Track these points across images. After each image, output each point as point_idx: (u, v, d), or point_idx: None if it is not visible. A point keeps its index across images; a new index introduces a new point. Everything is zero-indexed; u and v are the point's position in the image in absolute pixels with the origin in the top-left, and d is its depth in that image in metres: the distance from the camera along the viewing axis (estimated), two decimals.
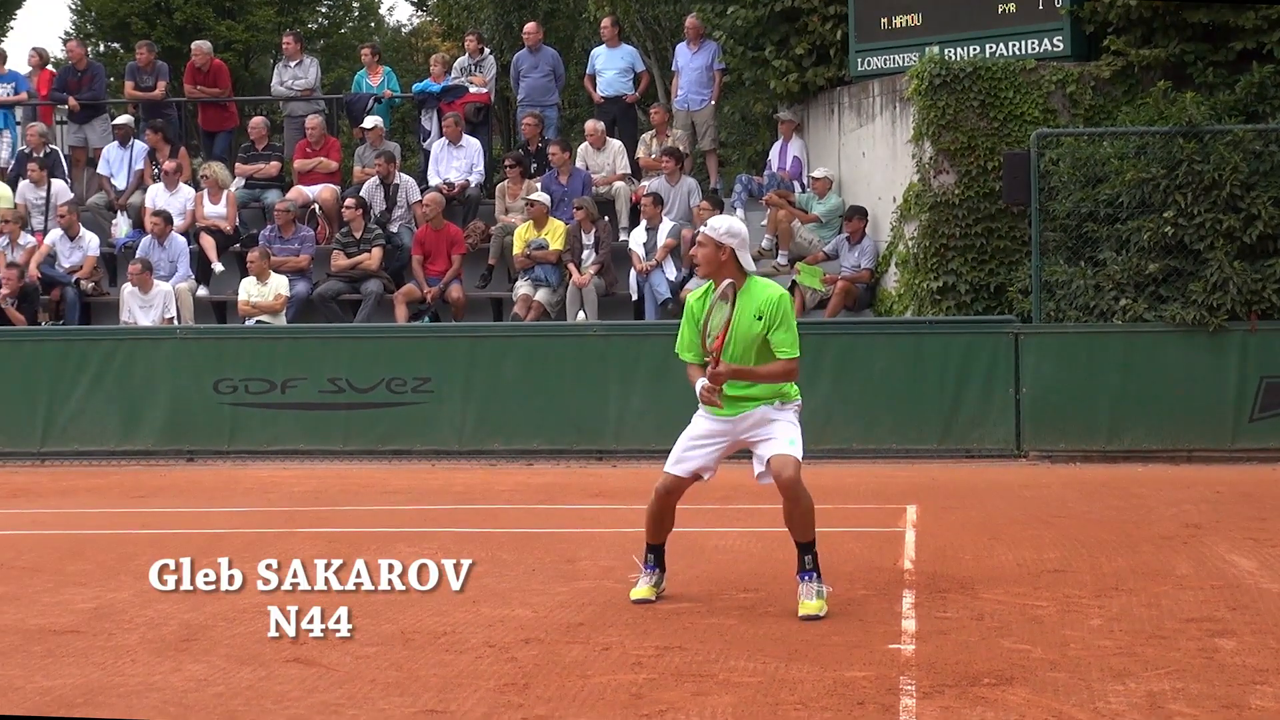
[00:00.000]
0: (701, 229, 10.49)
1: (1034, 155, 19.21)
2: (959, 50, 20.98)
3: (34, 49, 26.27)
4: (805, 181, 22.81)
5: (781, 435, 10.36)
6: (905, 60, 21.56)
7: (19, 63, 26.60)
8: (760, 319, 10.21)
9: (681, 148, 23.00)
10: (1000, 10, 21.27)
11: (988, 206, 20.18)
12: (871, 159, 22.29)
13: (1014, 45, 21.03)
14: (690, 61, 24.09)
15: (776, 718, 7.80)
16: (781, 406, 10.47)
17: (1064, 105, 20.43)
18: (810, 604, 10.11)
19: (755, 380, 10.35)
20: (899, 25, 22.08)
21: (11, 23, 45.85)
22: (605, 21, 25.55)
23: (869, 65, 22.32)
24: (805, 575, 10.27)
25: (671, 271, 21.17)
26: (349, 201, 22.26)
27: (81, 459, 19.85)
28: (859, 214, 21.39)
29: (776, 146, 23.67)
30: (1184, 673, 8.54)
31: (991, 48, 21.00)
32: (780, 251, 21.96)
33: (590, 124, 23.60)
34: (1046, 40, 21.00)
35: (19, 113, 25.29)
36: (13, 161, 24.23)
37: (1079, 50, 20.80)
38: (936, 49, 20.86)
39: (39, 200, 23.13)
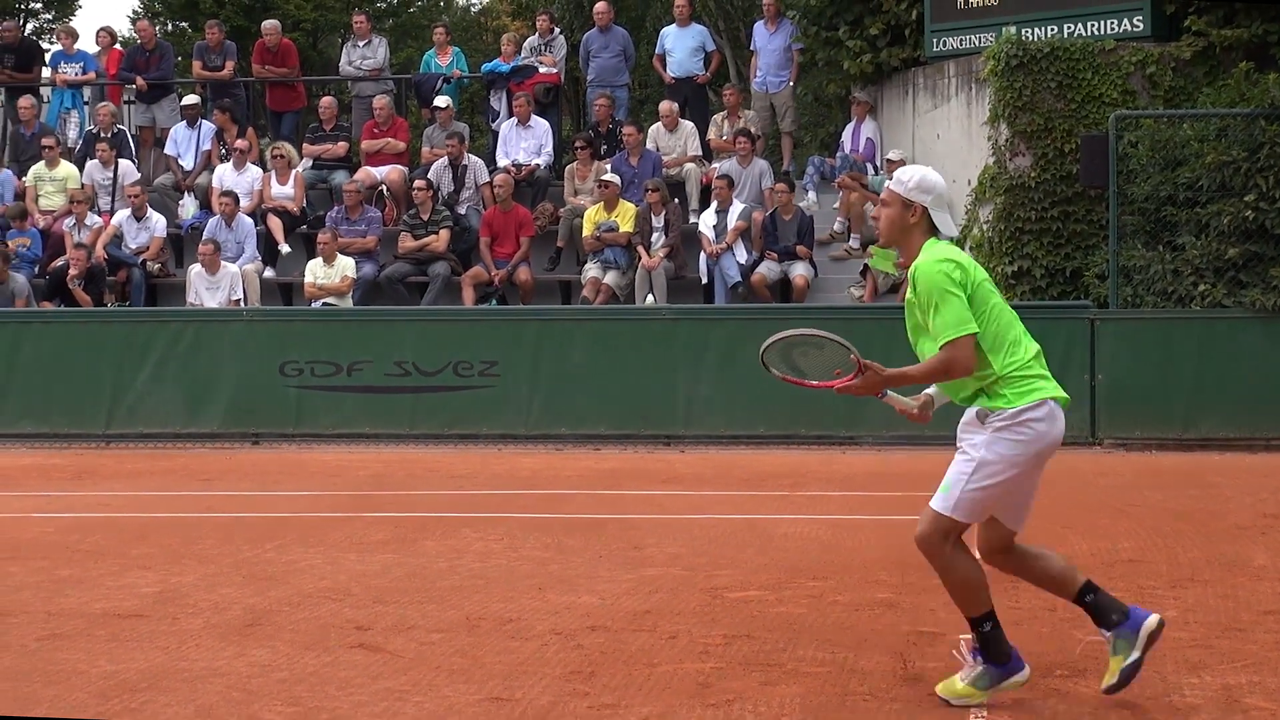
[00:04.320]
0: (887, 183, 8.09)
1: (1112, 137, 19.16)
2: (1036, 30, 20.90)
3: (102, 28, 26.46)
4: (879, 164, 22.77)
5: (949, 471, 7.92)
6: (981, 40, 21.50)
7: (88, 42, 26.78)
8: (915, 300, 7.86)
9: (753, 129, 22.96)
10: None
11: (1064, 190, 20.13)
12: (946, 141, 22.22)
13: (1092, 25, 20.96)
14: (769, 42, 24.07)
15: (845, 708, 7.78)
16: (986, 419, 7.78)
17: (1143, 86, 20.32)
18: (951, 684, 7.82)
19: (911, 383, 8.23)
20: (975, 5, 22.02)
21: (80, 3, 46.16)
22: (679, 0, 25.45)
23: (944, 45, 22.27)
24: (972, 654, 7.85)
25: (742, 254, 21.11)
26: (418, 183, 22.32)
27: (147, 441, 19.97)
28: None
29: (850, 128, 23.62)
30: (1261, 666, 8.49)
31: (1069, 28, 20.95)
32: (853, 235, 21.92)
33: (665, 105, 23.59)
34: (1126, 20, 20.91)
35: (87, 92, 25.48)
36: (80, 141, 24.40)
37: (1159, 30, 20.70)
38: (1013, 29, 20.81)
39: (106, 181, 23.28)
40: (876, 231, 21.49)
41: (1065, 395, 7.80)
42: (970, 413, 7.98)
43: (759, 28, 24.45)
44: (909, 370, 8.04)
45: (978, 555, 7.95)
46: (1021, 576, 8.17)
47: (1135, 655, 7.65)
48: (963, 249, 20.66)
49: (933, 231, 7.85)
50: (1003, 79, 20.38)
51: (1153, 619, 7.73)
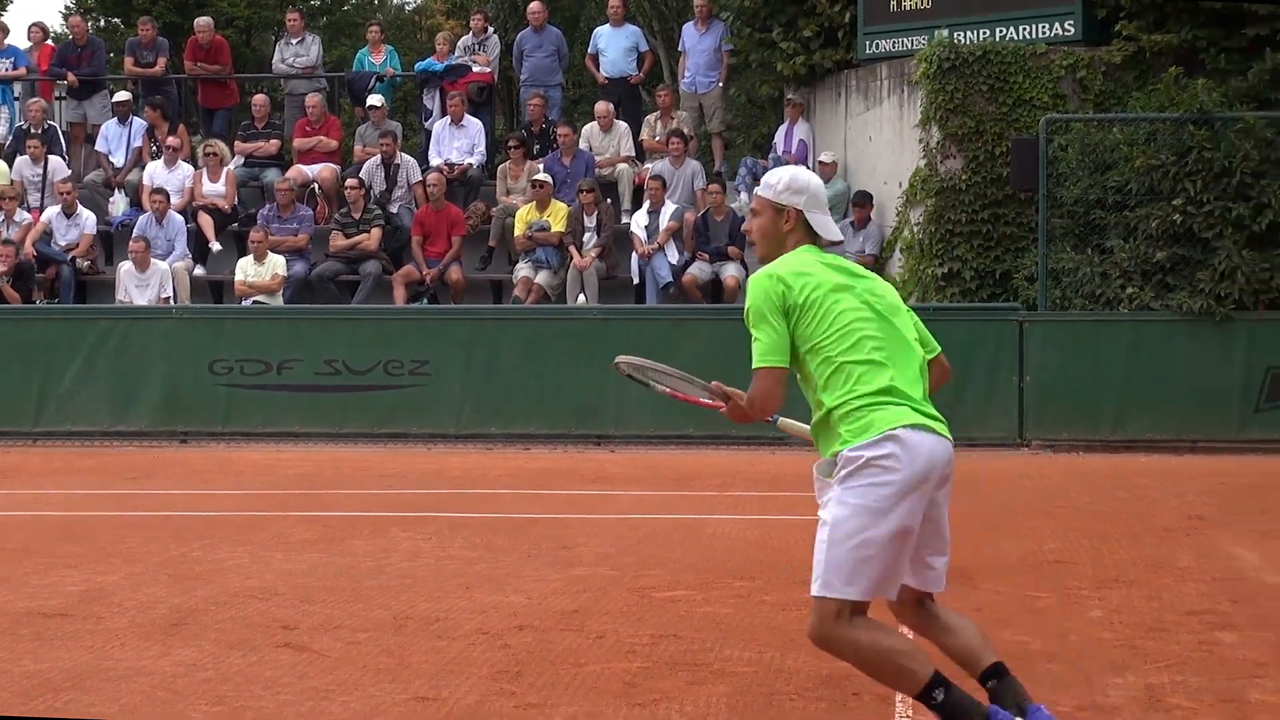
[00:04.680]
0: (756, 190, 7.09)
1: (1043, 141, 19.30)
2: (968, 33, 21.01)
3: (34, 23, 26.34)
4: (811, 165, 22.78)
5: (817, 539, 6.73)
6: (914, 43, 21.56)
7: (19, 37, 26.60)
8: None
9: (686, 130, 22.99)
10: None
11: (995, 192, 20.24)
12: (878, 143, 22.29)
13: (1024, 29, 21.08)
14: (698, 43, 24.08)
15: (771, 708, 7.80)
16: (831, 468, 6.73)
17: (1074, 90, 20.45)
18: None
19: (743, 420, 7.24)
20: (908, 7, 22.07)
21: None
22: (614, 1, 25.41)
23: (877, 48, 22.33)
24: None
25: (674, 255, 21.13)
26: (350, 181, 22.26)
27: (75, 439, 19.89)
28: (864, 199, 21.42)
29: (782, 129, 23.65)
30: (1183, 666, 8.54)
31: (1001, 31, 21.05)
32: None
33: (601, 105, 23.58)
34: (1057, 24, 21.01)
35: (18, 88, 25.32)
36: (10, 137, 24.25)
37: (1090, 35, 20.82)
38: (945, 32, 20.93)
39: (36, 177, 23.15)
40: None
41: (919, 417, 6.49)
42: (821, 465, 6.85)
43: (689, 29, 24.46)
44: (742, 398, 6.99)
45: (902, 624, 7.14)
46: (927, 639, 6.93)
47: None
48: (893, 251, 21.04)
49: (811, 237, 6.81)
50: (934, 82, 20.47)
51: None
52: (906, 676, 6.46)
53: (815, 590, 6.49)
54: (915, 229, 20.72)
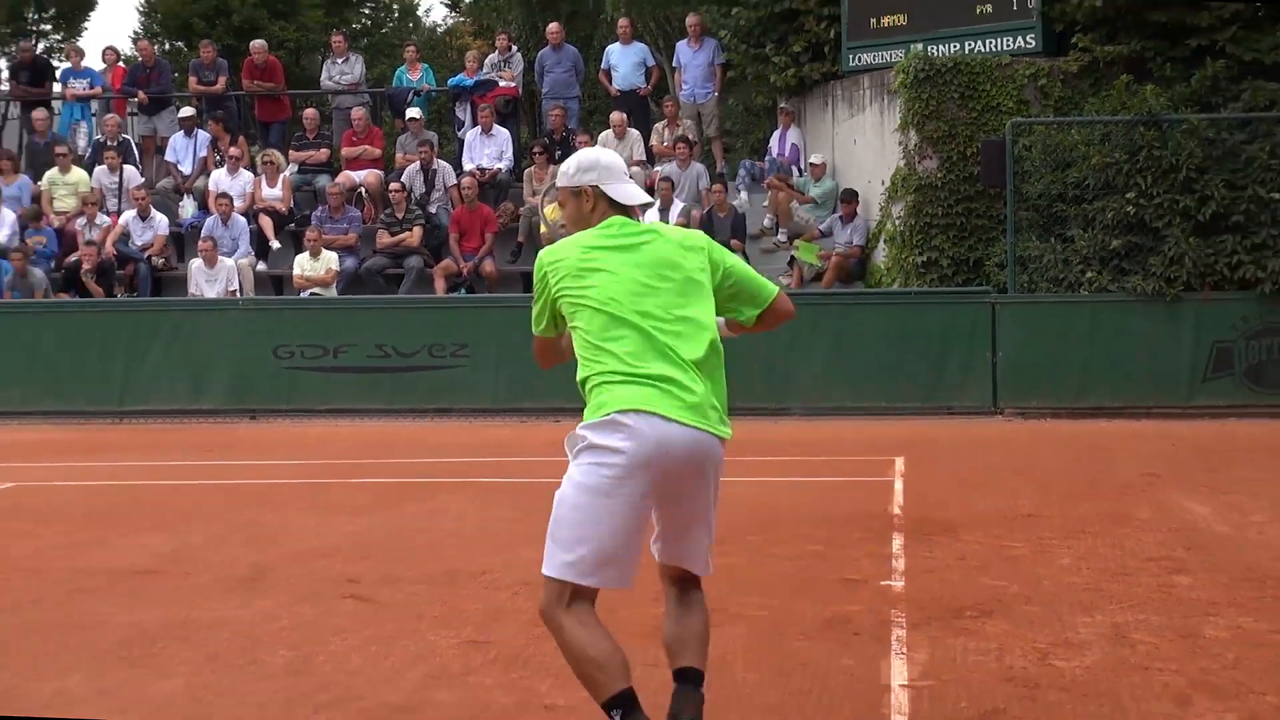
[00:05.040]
0: (556, 184, 6.32)
1: (1009, 142, 19.30)
2: (941, 47, 20.99)
3: (107, 47, 26.37)
4: (803, 166, 22.86)
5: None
6: (892, 56, 21.55)
7: (94, 60, 26.68)
8: None
9: (691, 136, 23.04)
10: (978, 10, 21.34)
11: (967, 189, 20.21)
12: (862, 146, 22.30)
13: (990, 42, 21.07)
14: (693, 59, 24.08)
15: (782, 647, 7.86)
16: (574, 443, 5.77)
17: (1036, 97, 20.44)
18: None
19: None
20: (886, 25, 22.09)
21: (86, 24, 45.89)
22: (623, 21, 25.56)
23: (859, 61, 22.32)
24: None
25: None
26: (393, 185, 22.31)
27: (156, 417, 19.95)
28: (851, 196, 21.43)
29: (776, 135, 23.71)
30: (1145, 605, 8.62)
31: (970, 45, 21.05)
32: (780, 229, 22.00)
33: (614, 115, 23.58)
34: (1020, 38, 21.00)
35: (94, 105, 25.36)
36: (90, 150, 24.29)
37: (1049, 47, 20.82)
38: (920, 46, 20.93)
39: (113, 184, 23.18)
40: (804, 225, 21.63)
41: (659, 403, 5.53)
42: (568, 439, 5.86)
43: (682, 46, 24.41)
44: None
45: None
46: (679, 615, 6.09)
47: None
48: (878, 242, 21.06)
49: (617, 208, 5.92)
50: (911, 91, 20.46)
51: None
52: (591, 684, 5.60)
53: (543, 568, 5.70)
54: (897, 222, 20.72)
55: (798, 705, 6.88)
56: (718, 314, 5.95)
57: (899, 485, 13.46)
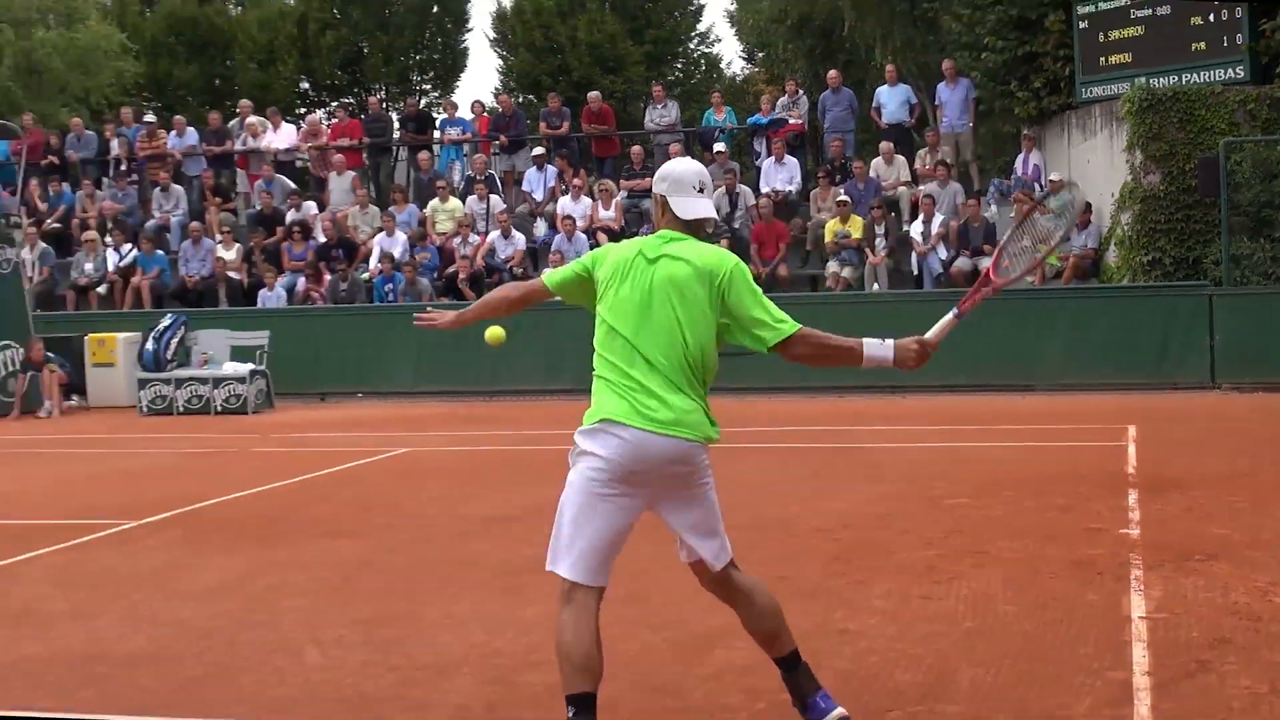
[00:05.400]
0: None
1: (1222, 159, 18.77)
2: (1161, 79, 20.46)
3: (475, 101, 26.94)
4: (1043, 183, 22.38)
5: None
6: (1119, 89, 21.05)
7: (465, 112, 27.28)
8: None
9: (948, 160, 22.74)
10: (1193, 47, 20.77)
11: (1186, 198, 19.64)
12: (1094, 164, 21.77)
13: (1204, 74, 20.47)
14: (951, 96, 23.74)
15: (1036, 584, 7.72)
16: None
17: (1245, 119, 19.75)
18: None
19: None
20: (1114, 62, 21.63)
21: (458, 83, 47.03)
22: (889, 67, 25.44)
23: (1091, 93, 21.87)
24: None
25: (943, 253, 20.90)
26: None
27: (518, 396, 20.33)
28: (1086, 208, 20.92)
29: (1020, 157, 23.26)
30: None
31: (1187, 77, 20.48)
32: (1025, 236, 21.56)
33: (884, 145, 23.40)
34: (1230, 69, 20.39)
35: (466, 148, 25.95)
36: (463, 183, 24.87)
37: (1256, 76, 20.13)
38: (1144, 79, 20.46)
39: (482, 210, 23.67)
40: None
41: (629, 413, 5.05)
42: None
43: (942, 86, 24.07)
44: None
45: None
46: (739, 612, 5.50)
47: None
48: (1109, 245, 20.60)
49: (677, 223, 5.24)
50: (1137, 117, 19.94)
51: (835, 714, 5.28)
52: (563, 676, 5.04)
53: (546, 565, 5.22)
54: (1125, 228, 20.21)
55: (1051, 633, 6.74)
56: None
57: (1131, 449, 13.08)
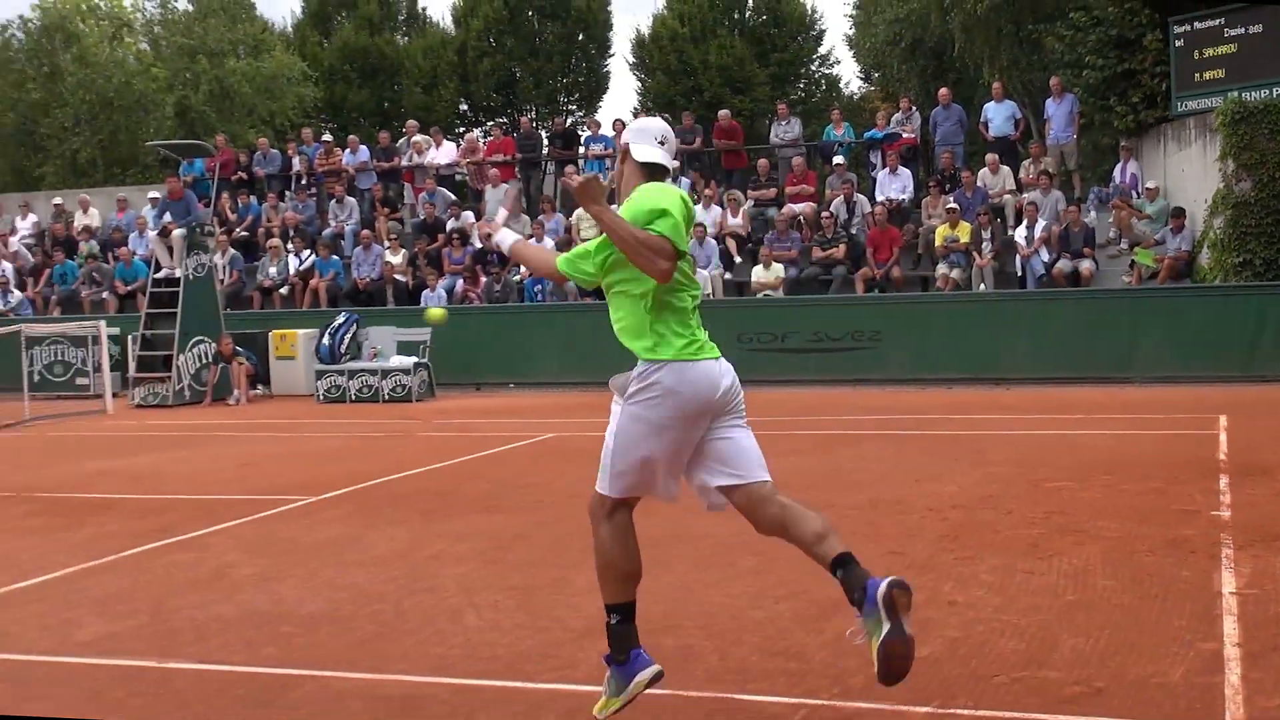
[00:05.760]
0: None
1: None
2: (1252, 94, 19.99)
3: (616, 119, 27.13)
4: (1140, 190, 21.97)
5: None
6: (1212, 102, 20.60)
7: (607, 129, 27.35)
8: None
9: (1051, 170, 22.39)
10: None
11: (1275, 204, 19.21)
12: (1188, 173, 21.30)
13: None
14: (1056, 110, 23.39)
15: (1133, 561, 7.57)
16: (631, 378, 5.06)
17: None
18: (598, 706, 5.02)
19: (612, 228, 4.88)
20: (1208, 78, 21.22)
21: (600, 103, 47.25)
22: (996, 85, 25.12)
23: (1186, 107, 21.46)
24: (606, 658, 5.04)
25: (1045, 255, 20.60)
26: (824, 213, 22.34)
27: None
28: (1180, 212, 20.49)
29: (1119, 166, 22.87)
30: None
31: (1276, 90, 19.92)
32: (1123, 240, 21.23)
33: (990, 156, 23.13)
34: None
35: (608, 161, 26.01)
36: (607, 193, 24.85)
37: None
38: (1236, 94, 19.96)
39: None
40: (1142, 236, 20.78)
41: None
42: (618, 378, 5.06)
43: (1049, 102, 23.78)
44: (615, 219, 4.85)
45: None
46: (780, 536, 5.08)
47: (885, 629, 4.60)
48: (1202, 248, 20.18)
49: (649, 173, 5.08)
50: (1229, 129, 19.48)
51: (884, 585, 4.63)
52: (611, 588, 4.91)
53: (599, 478, 5.02)
54: (1217, 231, 19.73)
55: (1147, 606, 6.61)
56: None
57: (1223, 437, 12.77)
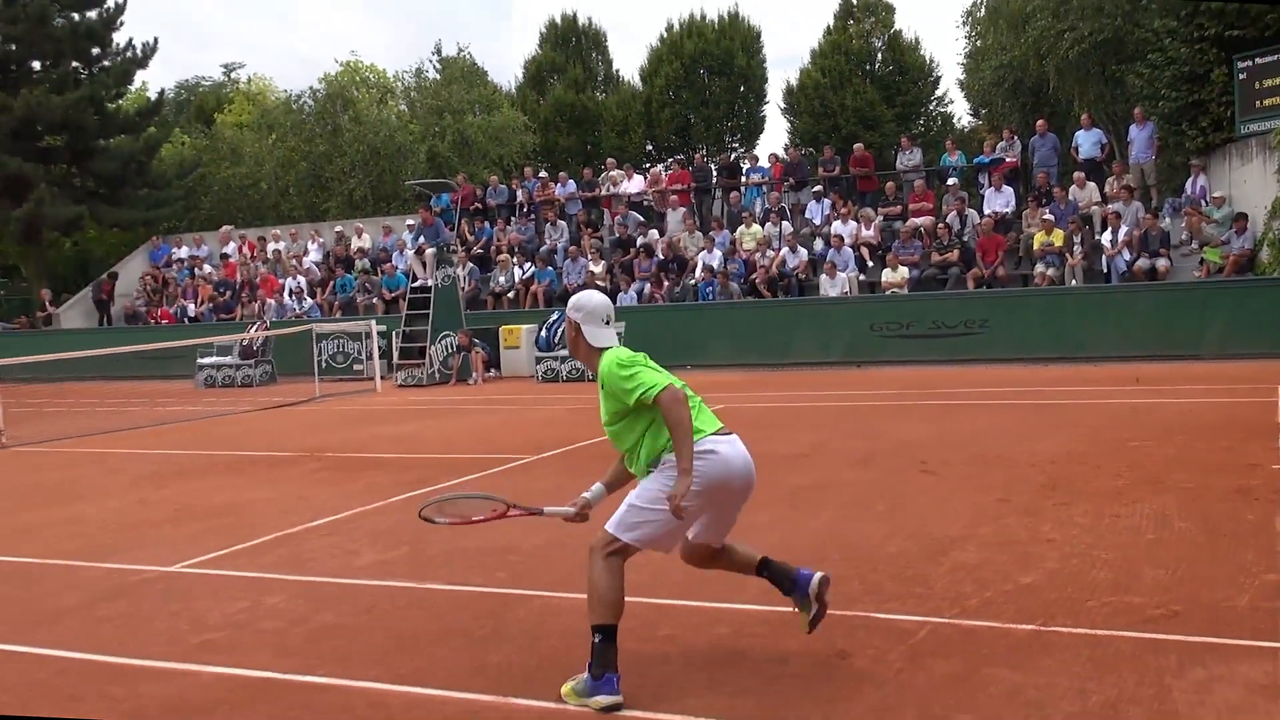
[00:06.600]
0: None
1: None
2: None
3: (771, 154, 26.73)
4: (1208, 199, 20.99)
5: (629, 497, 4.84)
6: (1271, 124, 19.64)
7: (764, 161, 27.11)
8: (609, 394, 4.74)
9: (1132, 185, 21.54)
10: None
11: None
12: (1250, 184, 20.32)
13: None
14: (1139, 135, 22.47)
15: (1205, 507, 7.28)
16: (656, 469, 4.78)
17: None
18: (566, 686, 4.61)
19: (681, 454, 4.54)
20: (1268, 104, 20.31)
21: (759, 140, 46.99)
22: (1084, 116, 24.21)
23: (1249, 129, 20.49)
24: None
25: (1127, 255, 19.83)
26: (941, 225, 21.83)
27: (801, 366, 20.14)
28: (1242, 217, 19.52)
29: (1190, 180, 21.86)
30: None
31: None
32: (1194, 240, 20.34)
33: (1078, 175, 22.34)
34: None
35: (765, 188, 25.76)
36: (762, 214, 24.61)
37: None
38: None
39: (775, 232, 23.43)
40: (1210, 237, 19.90)
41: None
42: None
43: (1133, 128, 22.83)
44: (677, 444, 4.57)
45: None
46: (718, 568, 5.08)
47: (815, 609, 4.88)
48: (1262, 246, 19.22)
49: (589, 345, 4.80)
50: None
51: (816, 579, 4.88)
52: (600, 611, 4.55)
53: (612, 528, 4.74)
54: (1275, 232, 18.76)
55: (1217, 544, 6.35)
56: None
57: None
